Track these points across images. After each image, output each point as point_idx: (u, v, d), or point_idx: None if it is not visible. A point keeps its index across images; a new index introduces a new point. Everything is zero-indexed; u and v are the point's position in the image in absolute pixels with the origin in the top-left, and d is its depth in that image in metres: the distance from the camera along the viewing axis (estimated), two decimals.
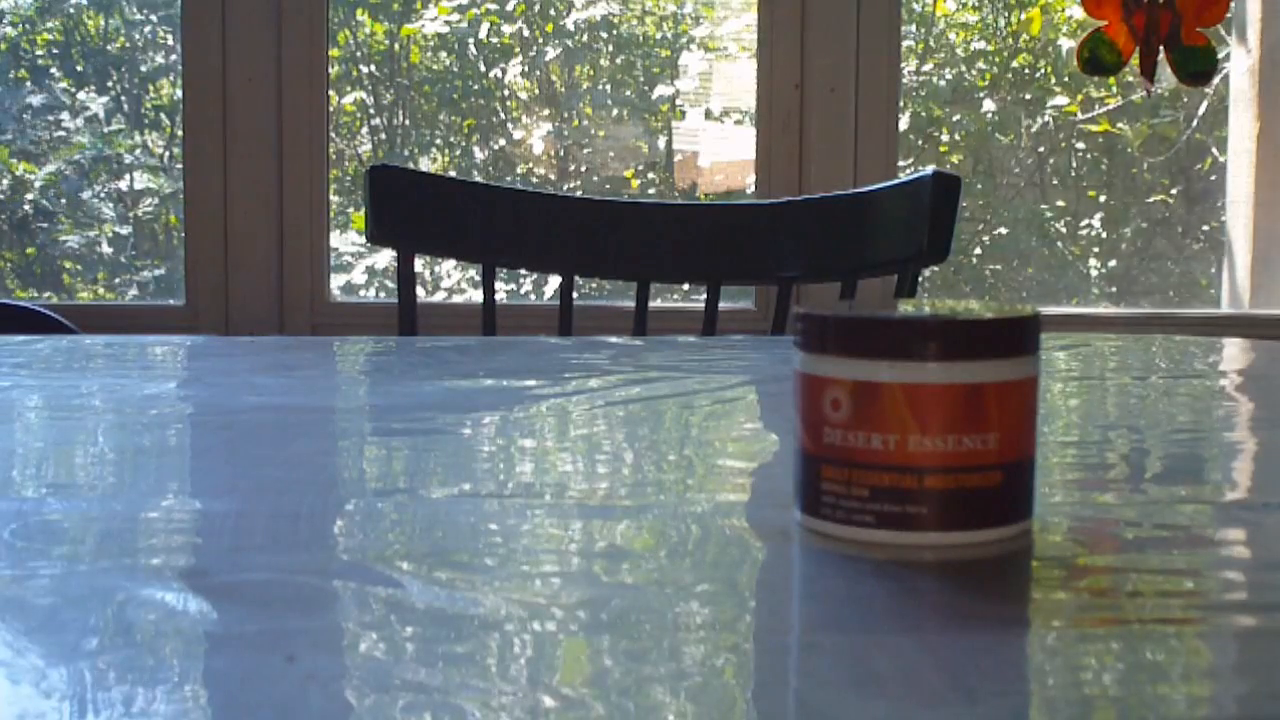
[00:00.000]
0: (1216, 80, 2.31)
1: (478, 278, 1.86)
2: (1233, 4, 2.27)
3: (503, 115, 2.56)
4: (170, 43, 2.48)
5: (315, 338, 1.28)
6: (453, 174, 2.52)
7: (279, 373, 0.91)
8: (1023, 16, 2.64)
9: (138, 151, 2.51)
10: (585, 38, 2.56)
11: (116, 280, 2.51)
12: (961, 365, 0.47)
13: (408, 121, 2.60)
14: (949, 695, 0.34)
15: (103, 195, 2.52)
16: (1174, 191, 2.65)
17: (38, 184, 2.47)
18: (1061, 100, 2.62)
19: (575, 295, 1.51)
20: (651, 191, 2.54)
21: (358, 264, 2.53)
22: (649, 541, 0.49)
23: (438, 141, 2.59)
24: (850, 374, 0.48)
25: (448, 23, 2.50)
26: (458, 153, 2.57)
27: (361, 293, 2.53)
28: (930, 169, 1.41)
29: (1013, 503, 0.48)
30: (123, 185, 2.51)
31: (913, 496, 0.47)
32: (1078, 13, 2.52)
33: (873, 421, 0.47)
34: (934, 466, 0.47)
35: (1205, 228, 2.64)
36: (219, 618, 0.40)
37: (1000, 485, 0.48)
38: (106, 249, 2.51)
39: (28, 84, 2.48)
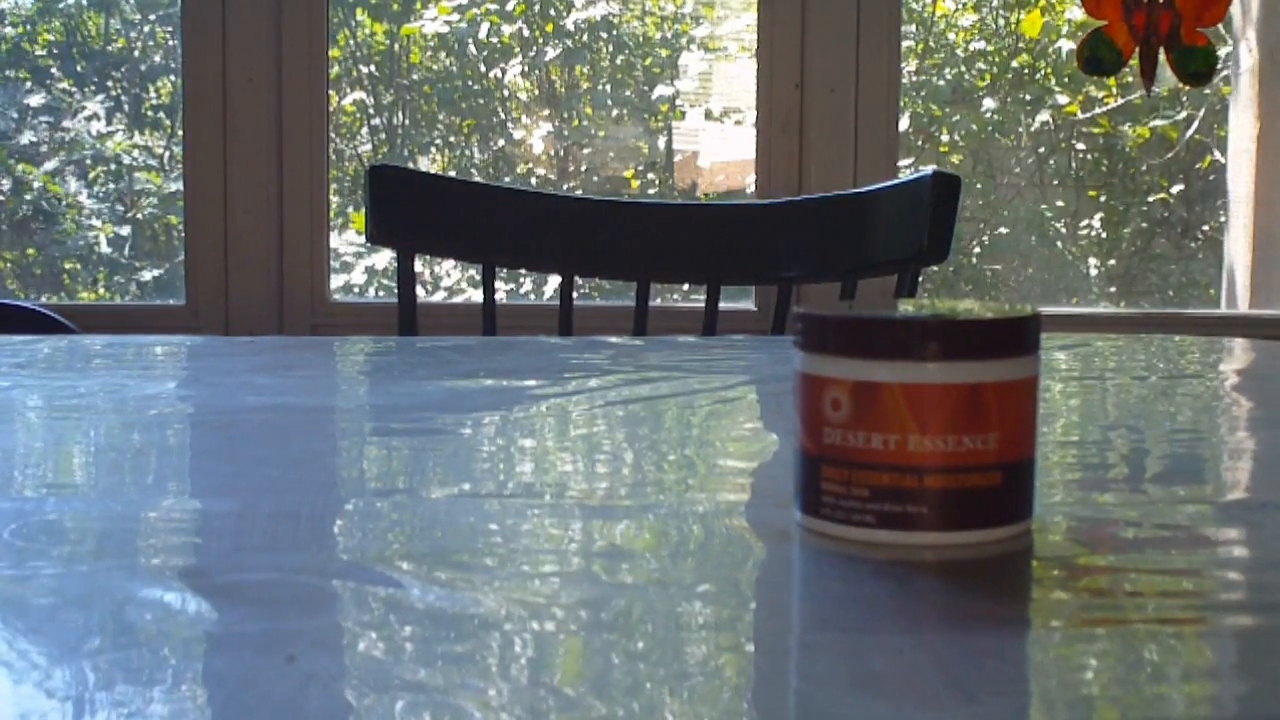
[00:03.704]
0: (1216, 80, 2.31)
1: (478, 278, 1.86)
2: (1233, 4, 2.27)
3: (503, 115, 2.56)
4: (170, 43, 2.48)
5: (315, 338, 1.28)
6: (453, 174, 2.52)
7: (279, 373, 0.91)
8: (1022, 16, 2.64)
9: (137, 151, 2.51)
10: (585, 38, 2.56)
11: (116, 280, 2.51)
12: (961, 365, 0.47)
13: (408, 121, 2.60)
14: (948, 695, 0.34)
15: (102, 195, 2.52)
16: (1174, 191, 2.66)
17: (37, 184, 2.47)
18: (1061, 100, 2.62)
19: (575, 295, 1.50)
20: (651, 191, 2.54)
21: (358, 264, 2.53)
22: (649, 541, 0.49)
23: (438, 141, 2.59)
24: (850, 374, 0.48)
25: (448, 23, 2.50)
26: (458, 153, 2.57)
27: (361, 293, 2.53)
28: (930, 169, 1.41)
29: (1013, 503, 0.48)
30: (122, 185, 2.51)
31: (913, 496, 0.47)
32: (1077, 13, 2.52)
33: (873, 421, 0.47)
34: (934, 466, 0.47)
35: (1205, 228, 2.64)
36: (219, 618, 0.40)
37: (1000, 485, 0.48)
38: (106, 249, 2.51)
39: (28, 84, 2.48)
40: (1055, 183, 2.67)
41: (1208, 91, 2.53)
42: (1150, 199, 2.67)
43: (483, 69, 2.56)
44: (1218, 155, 2.56)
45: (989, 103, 2.64)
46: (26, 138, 2.47)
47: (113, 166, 2.52)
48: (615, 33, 2.57)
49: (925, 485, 0.47)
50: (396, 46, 2.57)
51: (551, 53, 2.55)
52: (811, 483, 0.49)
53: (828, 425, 0.48)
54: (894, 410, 0.47)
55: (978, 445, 0.47)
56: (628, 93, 2.57)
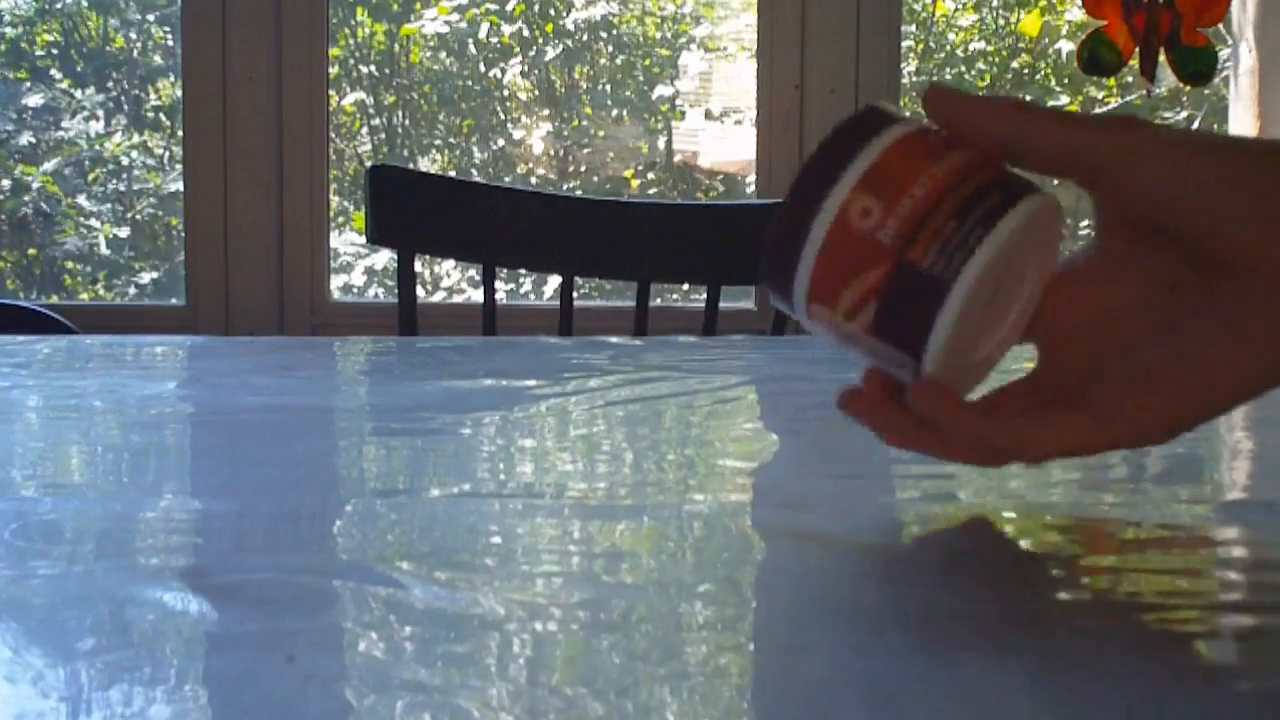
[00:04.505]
0: (1216, 80, 2.31)
1: (478, 278, 1.86)
2: (1233, 4, 2.27)
3: (503, 115, 2.56)
4: (170, 43, 2.48)
5: (315, 338, 1.28)
6: (453, 174, 2.52)
7: (279, 373, 0.91)
8: (1022, 16, 2.64)
9: (136, 152, 2.51)
10: (585, 38, 2.56)
11: (116, 281, 2.51)
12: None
13: (408, 121, 2.60)
14: (949, 695, 0.34)
15: (101, 196, 2.52)
16: None
17: (36, 185, 2.47)
18: (1062, 100, 2.62)
19: (575, 295, 1.50)
20: (652, 191, 2.54)
21: (358, 264, 2.53)
22: (649, 542, 0.49)
23: (437, 141, 2.59)
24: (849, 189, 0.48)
25: (448, 23, 2.50)
26: (458, 153, 2.57)
27: (361, 293, 2.53)
28: None
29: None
30: (122, 186, 2.51)
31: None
32: (1077, 13, 2.52)
33: (896, 194, 0.47)
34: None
35: None
36: (219, 618, 0.40)
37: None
38: (106, 250, 2.51)
39: (28, 84, 2.48)
40: (1055, 182, 2.67)
41: (1208, 91, 2.53)
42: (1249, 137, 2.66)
43: (483, 69, 2.56)
44: None
45: None
46: (25, 138, 2.47)
47: (111, 167, 2.52)
48: (615, 33, 2.57)
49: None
50: (396, 46, 2.57)
51: (551, 53, 2.55)
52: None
53: (880, 231, 0.47)
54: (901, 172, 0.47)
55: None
56: (628, 93, 2.57)
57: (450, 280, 2.58)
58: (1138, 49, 2.17)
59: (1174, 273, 0.48)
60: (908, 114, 0.49)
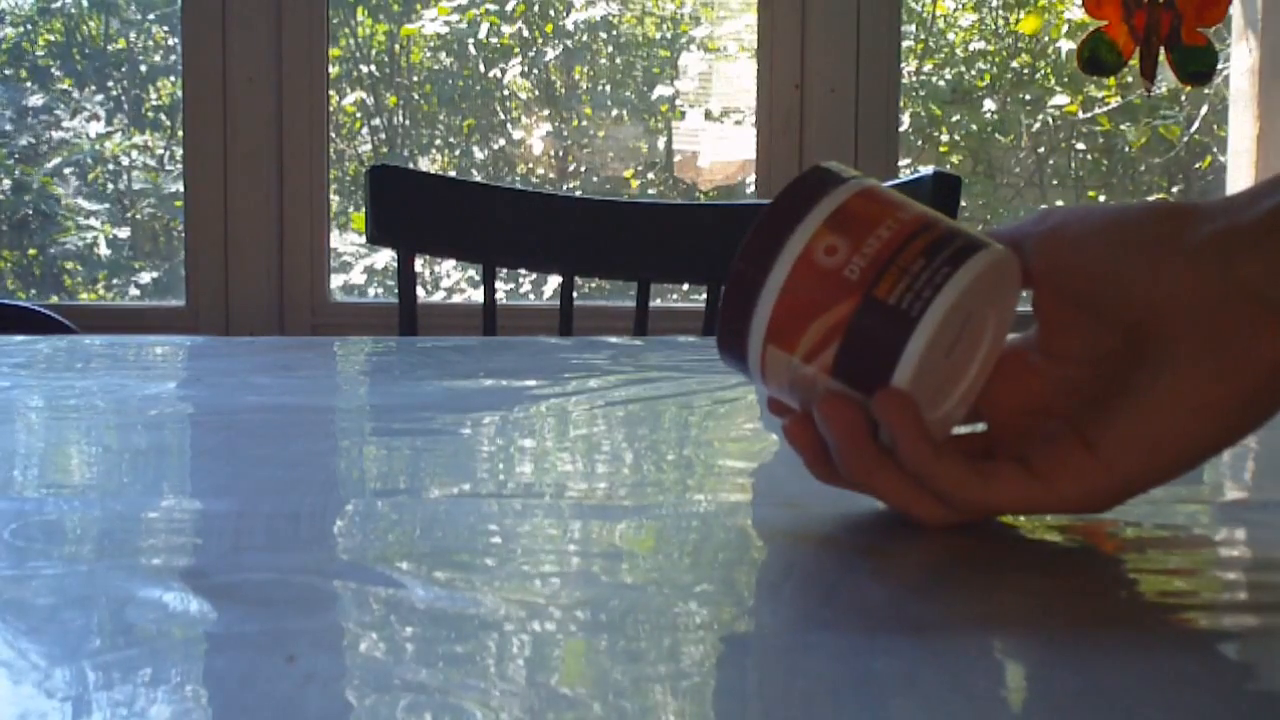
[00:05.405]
0: (1216, 80, 2.31)
1: (478, 278, 1.86)
2: (1233, 4, 2.27)
3: (502, 115, 2.56)
4: (170, 43, 2.48)
5: (315, 338, 1.28)
6: (453, 174, 2.52)
7: (279, 373, 0.91)
8: (1021, 16, 2.64)
9: (136, 152, 2.51)
10: (585, 38, 2.56)
11: (116, 281, 2.51)
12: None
13: (408, 121, 2.60)
14: (949, 695, 0.34)
15: (102, 196, 2.52)
16: (1174, 191, 2.65)
17: (36, 185, 2.47)
18: (1062, 100, 2.62)
19: (575, 295, 1.51)
20: (651, 191, 2.54)
21: (358, 264, 2.53)
22: (648, 542, 0.49)
23: (438, 141, 2.59)
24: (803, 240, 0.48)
25: (448, 23, 2.50)
26: (458, 153, 2.57)
27: (361, 293, 2.53)
28: (930, 169, 1.41)
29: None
30: (122, 186, 2.51)
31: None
32: (1077, 13, 2.52)
33: (860, 233, 0.48)
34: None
35: None
36: (219, 618, 0.40)
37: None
38: (106, 250, 2.51)
39: (28, 84, 2.48)
40: (1055, 183, 2.67)
41: (1208, 91, 2.53)
42: (1150, 199, 2.66)
43: (483, 69, 2.56)
44: (1218, 155, 2.56)
45: (989, 103, 2.64)
46: (26, 138, 2.47)
47: (111, 167, 2.51)
48: (615, 33, 2.57)
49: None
50: (397, 46, 2.57)
51: (551, 53, 2.55)
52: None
53: (846, 269, 0.47)
54: (870, 214, 0.48)
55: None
56: (628, 93, 2.57)
57: (450, 280, 2.58)
58: (1138, 49, 2.17)
59: (1105, 346, 0.49)
60: (857, 173, 0.50)
